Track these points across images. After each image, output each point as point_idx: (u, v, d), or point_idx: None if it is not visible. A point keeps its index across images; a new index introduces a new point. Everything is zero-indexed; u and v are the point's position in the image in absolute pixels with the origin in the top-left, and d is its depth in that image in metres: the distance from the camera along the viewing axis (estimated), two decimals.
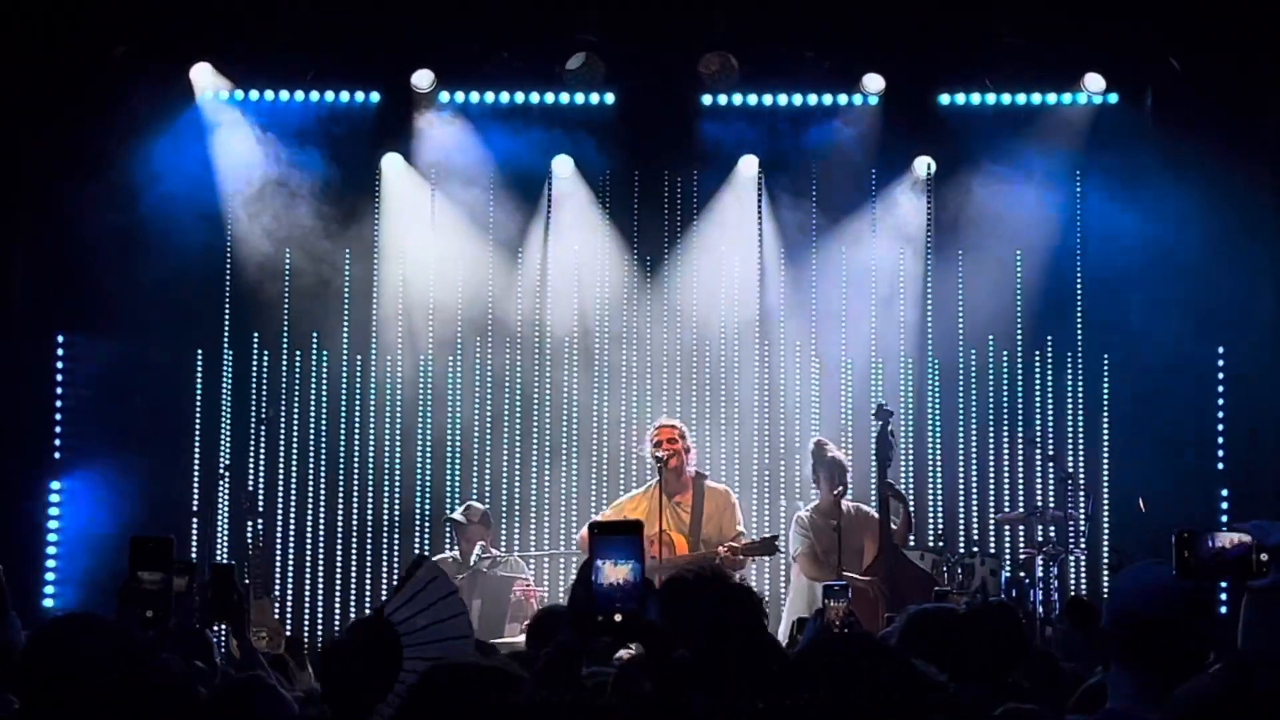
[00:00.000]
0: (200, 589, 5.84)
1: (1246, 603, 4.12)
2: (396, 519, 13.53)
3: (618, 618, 3.59)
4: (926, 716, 3.50)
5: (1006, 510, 13.31)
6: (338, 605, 13.43)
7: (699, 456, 12.97)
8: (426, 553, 12.94)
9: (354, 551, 13.54)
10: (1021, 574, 11.84)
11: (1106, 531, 13.16)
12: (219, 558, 12.75)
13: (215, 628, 6.76)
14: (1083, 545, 12.55)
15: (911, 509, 11.75)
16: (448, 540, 12.60)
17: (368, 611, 13.22)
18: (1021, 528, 13.07)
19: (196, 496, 13.22)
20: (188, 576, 5.32)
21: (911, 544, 11.62)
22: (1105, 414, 13.52)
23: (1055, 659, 6.95)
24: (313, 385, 13.68)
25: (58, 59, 12.66)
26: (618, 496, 12.35)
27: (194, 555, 12.73)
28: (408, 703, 3.68)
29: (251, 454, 13.53)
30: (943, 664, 5.18)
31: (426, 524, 13.49)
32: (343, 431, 13.62)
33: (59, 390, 13.34)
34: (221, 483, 13.13)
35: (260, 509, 12.90)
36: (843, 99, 13.46)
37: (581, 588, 3.63)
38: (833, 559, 10.75)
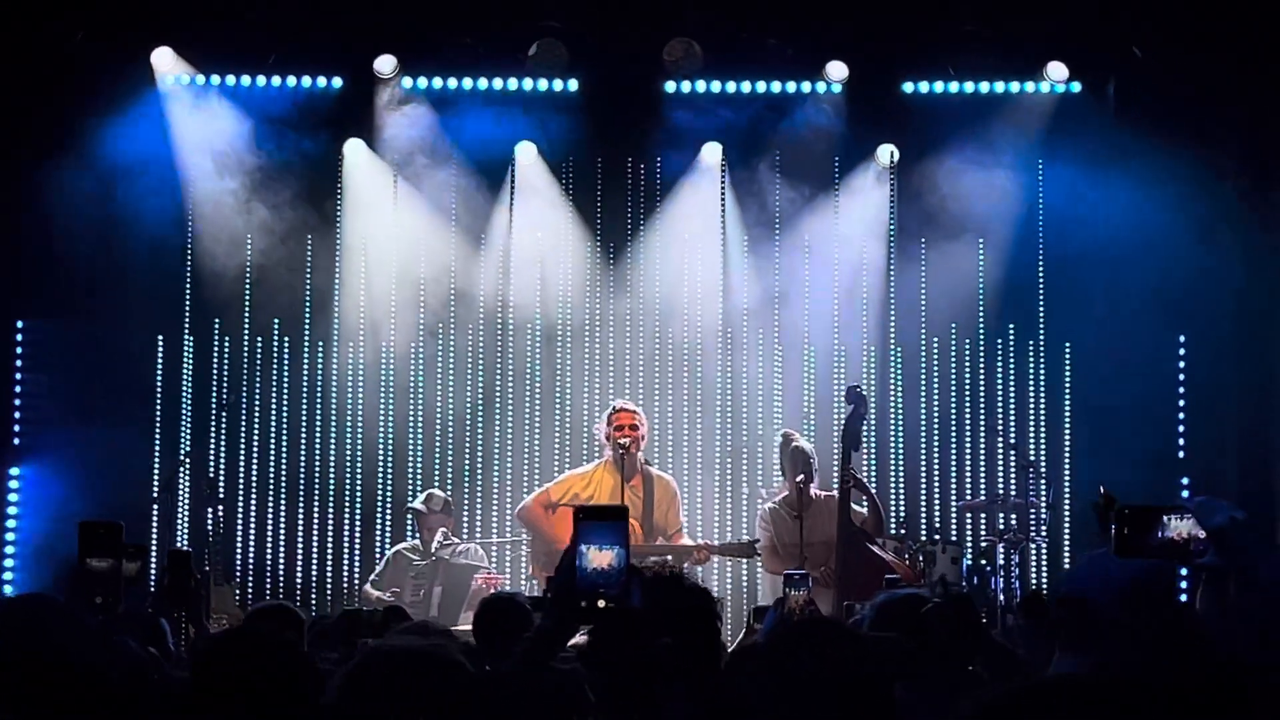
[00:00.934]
0: (158, 575, 5.82)
1: (1203, 585, 4.08)
2: (358, 505, 13.49)
3: (601, 604, 3.52)
4: (890, 695, 3.50)
5: (968, 498, 13.35)
6: (298, 592, 13.37)
7: (660, 441, 13.02)
8: (388, 540, 12.94)
9: (315, 538, 13.49)
10: (983, 562, 11.87)
11: (1067, 519, 13.19)
12: (179, 544, 12.67)
13: (175, 614, 6.72)
14: (1044, 533, 12.60)
15: (876, 499, 11.70)
16: (409, 528, 12.55)
17: (328, 597, 13.21)
18: (983, 515, 13.10)
19: (156, 482, 13.16)
20: (139, 561, 5.32)
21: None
22: (1067, 401, 13.55)
23: (1011, 649, 6.96)
24: (274, 371, 13.62)
25: (17, 44, 12.56)
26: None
27: (154, 541, 12.69)
28: (343, 687, 3.65)
29: (212, 440, 13.47)
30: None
31: (389, 511, 13.45)
32: (304, 418, 13.57)
33: (18, 375, 13.27)
34: (182, 469, 13.08)
35: (221, 495, 12.83)
36: (806, 87, 13.45)
37: (565, 573, 3.56)
38: (795, 551, 10.70)
